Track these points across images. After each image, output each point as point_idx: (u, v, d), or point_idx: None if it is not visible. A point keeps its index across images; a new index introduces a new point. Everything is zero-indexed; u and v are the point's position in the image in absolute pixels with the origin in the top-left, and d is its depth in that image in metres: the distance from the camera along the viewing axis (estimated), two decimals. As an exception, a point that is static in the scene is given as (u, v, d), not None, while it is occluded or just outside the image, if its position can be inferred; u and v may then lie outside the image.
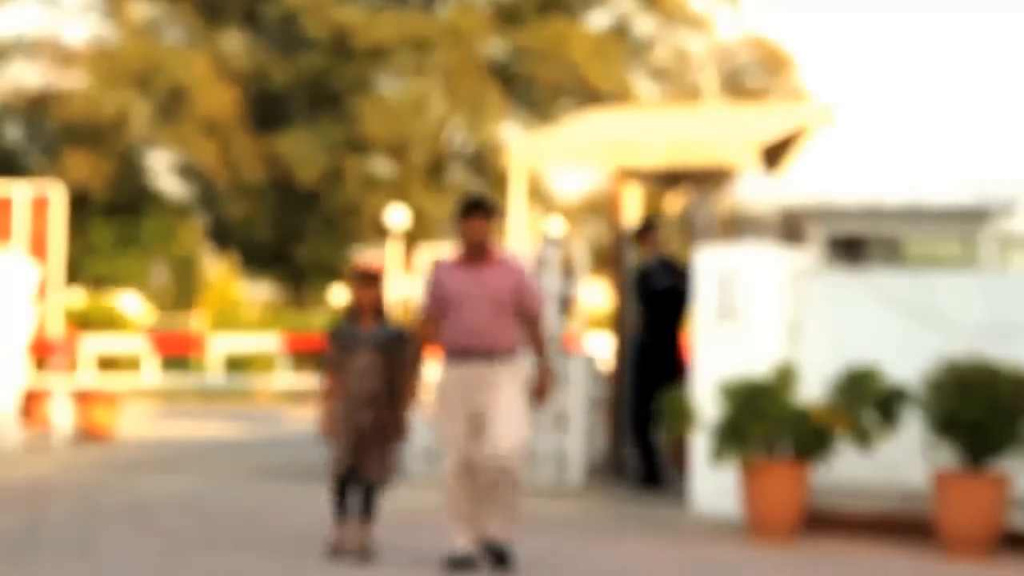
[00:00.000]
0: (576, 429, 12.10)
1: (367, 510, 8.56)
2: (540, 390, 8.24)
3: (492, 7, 36.96)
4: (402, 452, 8.67)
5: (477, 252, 8.17)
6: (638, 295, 12.05)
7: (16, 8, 40.94)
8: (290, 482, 12.27)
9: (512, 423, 8.04)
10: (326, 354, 8.70)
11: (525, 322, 8.23)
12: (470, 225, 8.13)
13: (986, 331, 9.88)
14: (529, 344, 8.27)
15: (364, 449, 8.47)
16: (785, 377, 9.71)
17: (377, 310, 8.61)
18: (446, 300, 8.18)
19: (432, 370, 8.31)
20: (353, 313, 8.65)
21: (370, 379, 8.49)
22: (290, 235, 36.57)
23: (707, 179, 13.10)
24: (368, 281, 8.64)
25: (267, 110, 36.59)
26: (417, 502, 10.59)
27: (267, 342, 23.35)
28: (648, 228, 12.14)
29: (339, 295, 32.50)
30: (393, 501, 9.83)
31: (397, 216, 28.83)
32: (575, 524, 10.17)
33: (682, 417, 10.02)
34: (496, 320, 8.12)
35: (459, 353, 8.14)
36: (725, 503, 10.27)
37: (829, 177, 11.11)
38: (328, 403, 8.60)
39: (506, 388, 8.09)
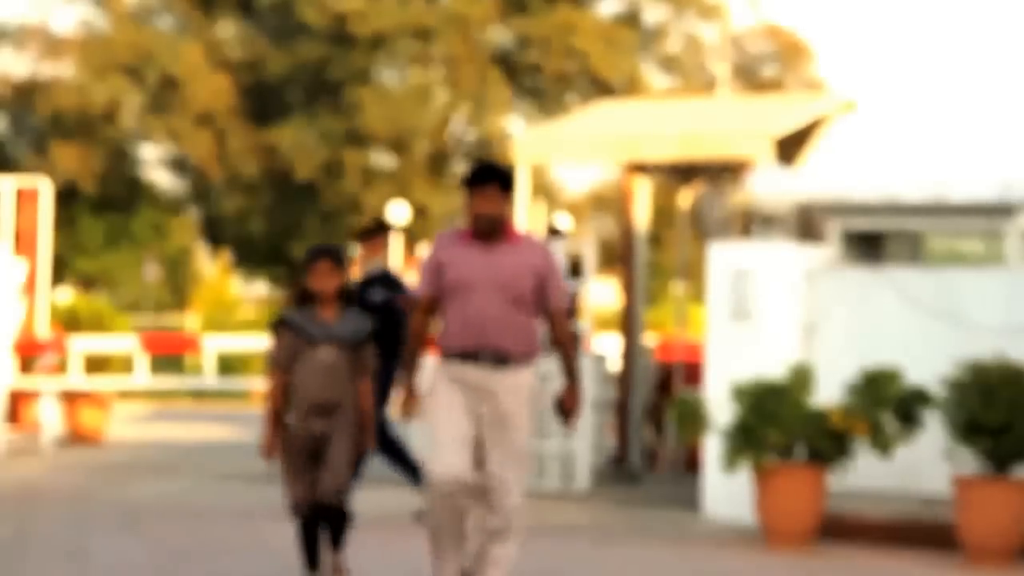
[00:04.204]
0: (583, 432, 12.00)
1: (335, 541, 7.23)
2: (567, 411, 6.75)
3: (497, -7, 36.73)
4: (364, 468, 7.72)
5: (490, 230, 6.64)
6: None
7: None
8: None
9: (515, 471, 6.70)
10: (273, 350, 7.18)
11: (548, 319, 6.77)
12: (482, 197, 6.60)
13: (1010, 331, 9.81)
14: (553, 348, 6.84)
15: (319, 466, 7.12)
16: (801, 378, 9.62)
17: (341, 298, 7.17)
18: (449, 286, 6.68)
19: (427, 372, 7.11)
20: (307, 302, 7.15)
21: (334, 383, 7.09)
22: (287, 231, 36.34)
23: (720, 173, 13.15)
24: (331, 263, 7.14)
25: (263, 101, 36.38)
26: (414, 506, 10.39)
27: (262, 342, 23.10)
28: (375, 230, 10.55)
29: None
30: (390, 506, 9.68)
31: (398, 211, 28.56)
32: (582, 529, 10.11)
33: (694, 420, 9.90)
34: (511, 316, 6.65)
35: (462, 354, 6.66)
36: (738, 509, 10.21)
37: (847, 171, 11.03)
38: (274, 415, 7.15)
39: (512, 424, 6.69)
